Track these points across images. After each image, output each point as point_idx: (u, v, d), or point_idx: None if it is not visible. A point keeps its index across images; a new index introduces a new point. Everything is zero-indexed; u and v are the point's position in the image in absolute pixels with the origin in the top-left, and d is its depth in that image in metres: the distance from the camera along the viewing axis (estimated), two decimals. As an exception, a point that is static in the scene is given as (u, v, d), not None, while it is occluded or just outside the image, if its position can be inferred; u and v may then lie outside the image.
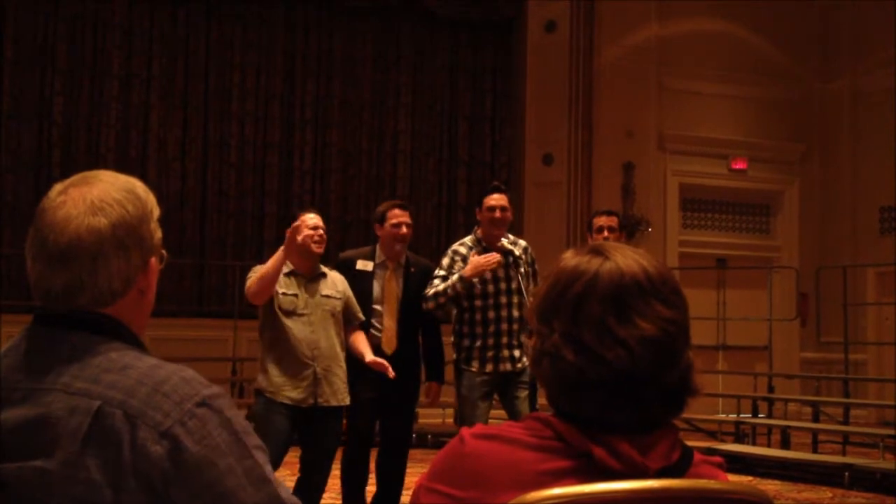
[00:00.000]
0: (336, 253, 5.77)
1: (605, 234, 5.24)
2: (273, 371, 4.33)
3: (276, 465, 4.32)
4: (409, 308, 4.82)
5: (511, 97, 11.66)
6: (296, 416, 4.33)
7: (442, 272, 4.76)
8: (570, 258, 1.29)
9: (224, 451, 1.18)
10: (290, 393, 4.32)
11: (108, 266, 1.27)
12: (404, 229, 4.81)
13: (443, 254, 4.94)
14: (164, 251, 1.39)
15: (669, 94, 11.31)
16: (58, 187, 1.31)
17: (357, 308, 4.61)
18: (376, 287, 4.82)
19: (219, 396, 1.22)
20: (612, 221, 5.31)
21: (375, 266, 4.85)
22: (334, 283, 4.54)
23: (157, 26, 10.52)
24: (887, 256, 10.34)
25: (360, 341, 4.57)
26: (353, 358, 4.60)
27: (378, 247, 4.90)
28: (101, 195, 1.28)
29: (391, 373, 4.41)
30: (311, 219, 4.48)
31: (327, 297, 4.46)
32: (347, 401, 4.51)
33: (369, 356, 4.47)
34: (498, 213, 4.75)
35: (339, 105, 11.13)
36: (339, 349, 4.47)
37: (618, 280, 1.23)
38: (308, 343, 4.35)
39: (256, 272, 4.31)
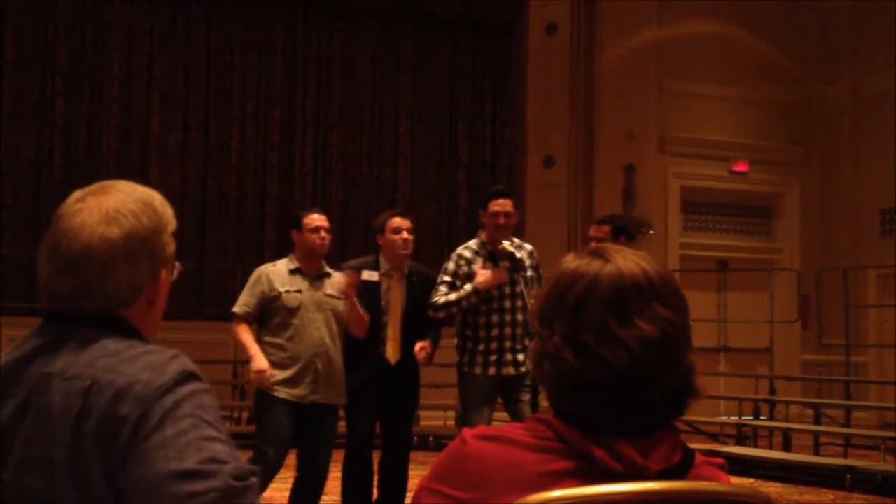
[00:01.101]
0: (336, 255, 5.74)
1: (594, 244, 5.12)
2: (276, 368, 4.34)
3: (279, 464, 4.33)
4: (411, 317, 4.77)
5: (512, 99, 11.66)
6: (296, 414, 4.34)
7: (447, 278, 4.69)
8: (570, 261, 1.30)
9: (182, 424, 1.14)
10: (294, 390, 4.34)
11: (116, 274, 1.28)
12: (405, 234, 4.74)
13: (447, 257, 4.85)
14: (177, 264, 1.40)
15: (670, 96, 11.30)
16: (77, 194, 1.33)
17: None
18: (383, 297, 4.77)
19: (202, 389, 1.21)
20: (602, 232, 5.05)
21: (381, 276, 4.80)
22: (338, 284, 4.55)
23: (157, 28, 10.52)
24: (888, 258, 10.34)
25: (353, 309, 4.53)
26: (353, 360, 4.60)
27: (381, 256, 4.84)
28: (116, 205, 1.30)
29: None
30: (317, 219, 4.52)
31: (330, 296, 4.49)
32: (344, 400, 4.52)
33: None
34: (502, 220, 4.69)
35: (339, 107, 11.14)
36: (338, 349, 4.49)
37: (618, 282, 1.23)
38: (313, 340, 4.38)
39: (240, 331, 4.41)
